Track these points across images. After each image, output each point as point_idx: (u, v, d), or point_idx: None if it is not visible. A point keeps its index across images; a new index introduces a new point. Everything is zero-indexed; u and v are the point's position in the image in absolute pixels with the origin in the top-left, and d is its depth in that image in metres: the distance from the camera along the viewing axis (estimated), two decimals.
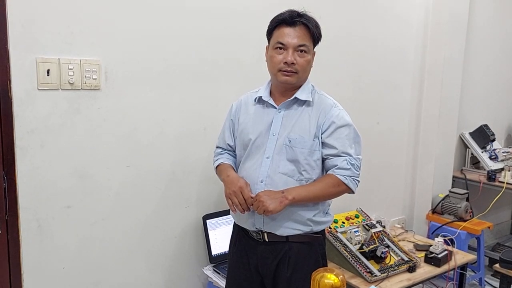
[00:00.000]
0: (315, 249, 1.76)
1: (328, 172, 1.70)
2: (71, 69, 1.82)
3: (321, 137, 1.68)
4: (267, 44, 1.75)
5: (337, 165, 1.66)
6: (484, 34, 3.64)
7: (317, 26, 1.69)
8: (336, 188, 1.67)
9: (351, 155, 1.68)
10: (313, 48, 1.72)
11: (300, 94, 1.71)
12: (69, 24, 1.81)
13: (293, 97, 1.71)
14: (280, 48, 1.65)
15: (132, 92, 2.00)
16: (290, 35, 1.64)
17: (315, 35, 1.68)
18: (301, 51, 1.65)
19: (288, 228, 1.69)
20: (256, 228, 1.72)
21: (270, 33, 1.71)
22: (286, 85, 1.70)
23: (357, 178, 1.69)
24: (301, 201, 1.65)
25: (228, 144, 1.86)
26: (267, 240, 1.72)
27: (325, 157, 1.69)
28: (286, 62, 1.64)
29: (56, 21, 1.78)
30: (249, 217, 1.72)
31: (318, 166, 1.71)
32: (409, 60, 3.14)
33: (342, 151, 1.67)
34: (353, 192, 1.72)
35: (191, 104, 2.18)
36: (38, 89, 1.77)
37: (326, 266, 1.77)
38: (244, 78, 2.28)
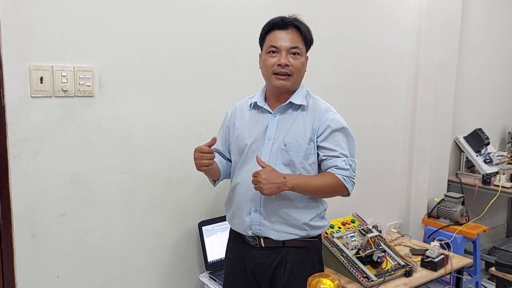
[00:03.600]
0: (312, 254, 1.76)
1: (327, 171, 1.69)
2: (64, 76, 1.81)
3: (317, 141, 1.69)
4: (260, 52, 1.76)
5: (337, 165, 1.66)
6: (477, 38, 3.67)
7: (308, 30, 1.72)
8: (334, 187, 1.67)
9: (347, 157, 1.69)
10: (306, 52, 1.73)
11: (295, 99, 1.72)
12: (63, 32, 1.80)
13: (287, 101, 1.71)
14: (273, 52, 1.67)
15: (126, 99, 1.99)
16: (283, 38, 1.66)
17: (307, 38, 1.70)
18: (294, 53, 1.67)
19: (284, 233, 1.70)
20: (252, 233, 1.72)
21: (262, 39, 1.73)
22: (281, 89, 1.71)
23: (353, 180, 1.70)
24: (299, 191, 1.66)
25: (216, 149, 1.85)
26: (263, 245, 1.72)
27: (323, 158, 1.69)
28: (280, 65, 1.65)
29: (50, 29, 1.77)
30: (245, 220, 1.72)
31: (314, 170, 1.72)
32: (403, 65, 3.15)
33: (340, 152, 1.68)
34: (348, 194, 1.72)
35: (186, 110, 2.18)
36: (31, 96, 1.76)
37: (323, 271, 1.77)
38: (239, 84, 2.28)
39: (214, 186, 1.90)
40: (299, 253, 1.72)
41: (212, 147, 1.86)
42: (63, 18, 1.80)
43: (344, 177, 1.66)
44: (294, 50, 1.67)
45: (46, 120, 1.81)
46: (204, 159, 1.65)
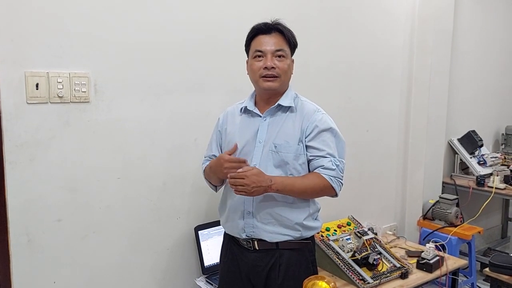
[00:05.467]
0: (305, 255, 1.77)
1: (314, 171, 1.72)
2: (60, 82, 1.82)
3: (305, 141, 1.72)
4: (247, 59, 1.79)
5: (323, 165, 1.69)
6: (470, 41, 3.71)
7: (291, 33, 1.76)
8: (320, 187, 1.69)
9: (335, 157, 1.71)
10: (291, 55, 1.76)
11: (283, 101, 1.75)
12: (58, 38, 1.81)
13: (276, 104, 1.74)
14: (259, 56, 1.71)
15: (121, 104, 2.00)
16: (267, 42, 1.70)
17: (291, 41, 1.74)
18: (280, 56, 1.71)
19: (277, 234, 1.71)
20: (246, 235, 1.74)
21: (248, 45, 1.78)
22: (270, 92, 1.74)
23: (341, 180, 1.72)
24: (285, 193, 1.68)
25: (214, 155, 1.89)
26: (257, 248, 1.74)
27: (310, 157, 1.72)
28: (266, 67, 1.68)
29: (45, 35, 1.78)
30: (239, 223, 1.74)
31: (304, 170, 1.74)
32: (397, 67, 3.18)
33: (327, 152, 1.70)
34: (336, 195, 1.74)
35: (182, 115, 2.19)
36: (27, 103, 1.77)
37: (317, 272, 1.78)
38: (233, 89, 2.30)
39: (216, 191, 1.91)
40: (292, 255, 1.74)
41: (210, 154, 1.89)
42: (58, 25, 1.81)
43: (331, 177, 1.68)
44: (279, 53, 1.70)
45: (42, 126, 1.82)
46: (234, 168, 1.65)
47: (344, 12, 2.81)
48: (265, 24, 1.73)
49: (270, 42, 1.70)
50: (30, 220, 1.83)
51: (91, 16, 1.88)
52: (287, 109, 1.75)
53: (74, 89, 1.86)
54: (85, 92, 1.89)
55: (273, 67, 1.68)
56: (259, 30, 1.73)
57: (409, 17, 3.18)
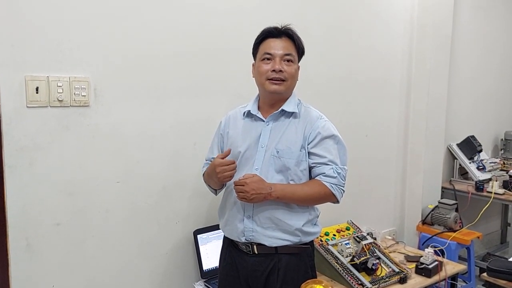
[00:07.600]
0: (304, 260, 1.77)
1: (315, 178, 1.72)
2: (60, 86, 1.83)
3: (308, 147, 1.72)
4: (253, 62, 1.80)
5: (324, 173, 1.70)
6: (468, 46, 3.72)
7: (300, 39, 1.77)
8: (321, 195, 1.70)
9: (337, 164, 1.72)
10: (298, 61, 1.77)
11: (287, 106, 1.75)
12: (58, 42, 1.82)
13: (280, 109, 1.75)
14: (268, 59, 1.72)
15: (121, 108, 2.01)
16: (277, 46, 1.71)
17: (299, 47, 1.76)
18: (288, 60, 1.72)
19: (277, 239, 1.72)
20: (245, 239, 1.74)
21: (256, 48, 1.78)
22: (275, 95, 1.75)
23: (342, 188, 1.73)
24: (286, 200, 1.70)
25: (214, 158, 1.88)
26: (256, 252, 1.74)
27: (312, 165, 1.73)
28: (274, 70, 1.69)
29: (45, 39, 1.79)
30: (238, 226, 1.74)
31: (306, 176, 1.74)
32: (396, 73, 3.19)
33: (329, 159, 1.71)
34: (337, 202, 1.75)
35: (181, 119, 2.20)
36: (27, 106, 1.78)
37: (315, 277, 1.78)
38: (233, 93, 2.31)
39: (216, 195, 1.92)
40: (291, 259, 1.74)
41: (211, 156, 1.90)
42: (58, 29, 1.82)
43: (332, 185, 1.69)
44: (288, 57, 1.71)
45: (42, 129, 1.82)
46: (228, 171, 1.68)
47: (344, 18, 2.82)
48: (276, 28, 1.74)
49: (280, 45, 1.71)
50: (29, 224, 1.84)
51: (91, 20, 1.89)
52: (291, 114, 1.76)
53: (74, 93, 1.87)
54: (85, 96, 1.90)
55: (280, 71, 1.70)
56: (269, 34, 1.74)
57: (408, 23, 3.20)
